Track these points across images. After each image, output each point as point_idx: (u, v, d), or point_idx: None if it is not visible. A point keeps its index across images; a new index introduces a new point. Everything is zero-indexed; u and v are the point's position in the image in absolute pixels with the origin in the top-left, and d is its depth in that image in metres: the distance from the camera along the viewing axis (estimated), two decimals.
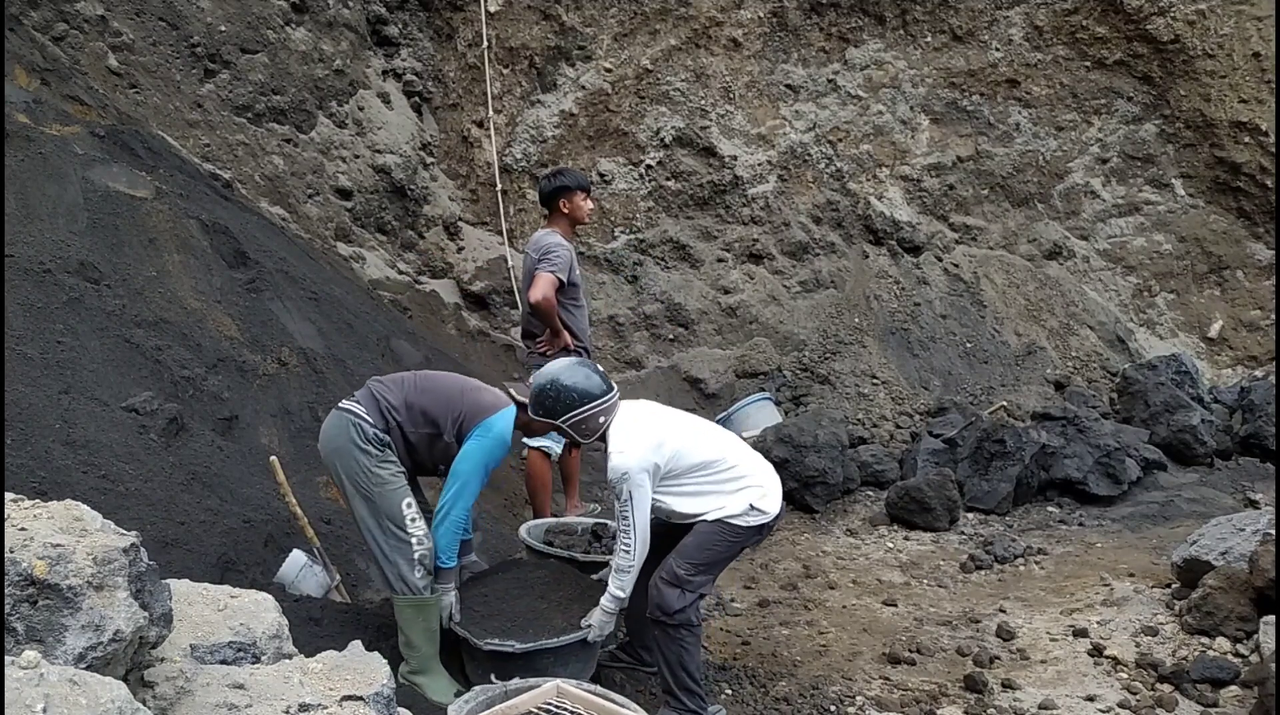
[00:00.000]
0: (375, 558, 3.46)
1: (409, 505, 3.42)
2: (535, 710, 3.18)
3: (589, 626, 3.43)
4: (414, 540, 3.40)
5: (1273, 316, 8.34)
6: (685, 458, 3.39)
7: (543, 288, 4.93)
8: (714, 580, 3.60)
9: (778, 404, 7.30)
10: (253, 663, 2.01)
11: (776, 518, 3.53)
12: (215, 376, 4.70)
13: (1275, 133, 8.25)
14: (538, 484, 5.15)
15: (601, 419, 3.38)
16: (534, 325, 5.21)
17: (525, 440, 5.16)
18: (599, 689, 3.30)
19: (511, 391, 3.66)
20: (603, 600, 3.41)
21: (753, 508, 3.41)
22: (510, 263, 8.05)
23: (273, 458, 4.06)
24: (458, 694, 3.27)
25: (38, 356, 4.07)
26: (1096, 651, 4.21)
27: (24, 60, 5.56)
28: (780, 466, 6.27)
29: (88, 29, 6.40)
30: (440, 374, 3.77)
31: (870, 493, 6.58)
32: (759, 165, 8.44)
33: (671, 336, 8.08)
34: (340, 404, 3.54)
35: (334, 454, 3.44)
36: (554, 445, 5.15)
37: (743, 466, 3.48)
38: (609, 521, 4.78)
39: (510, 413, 3.54)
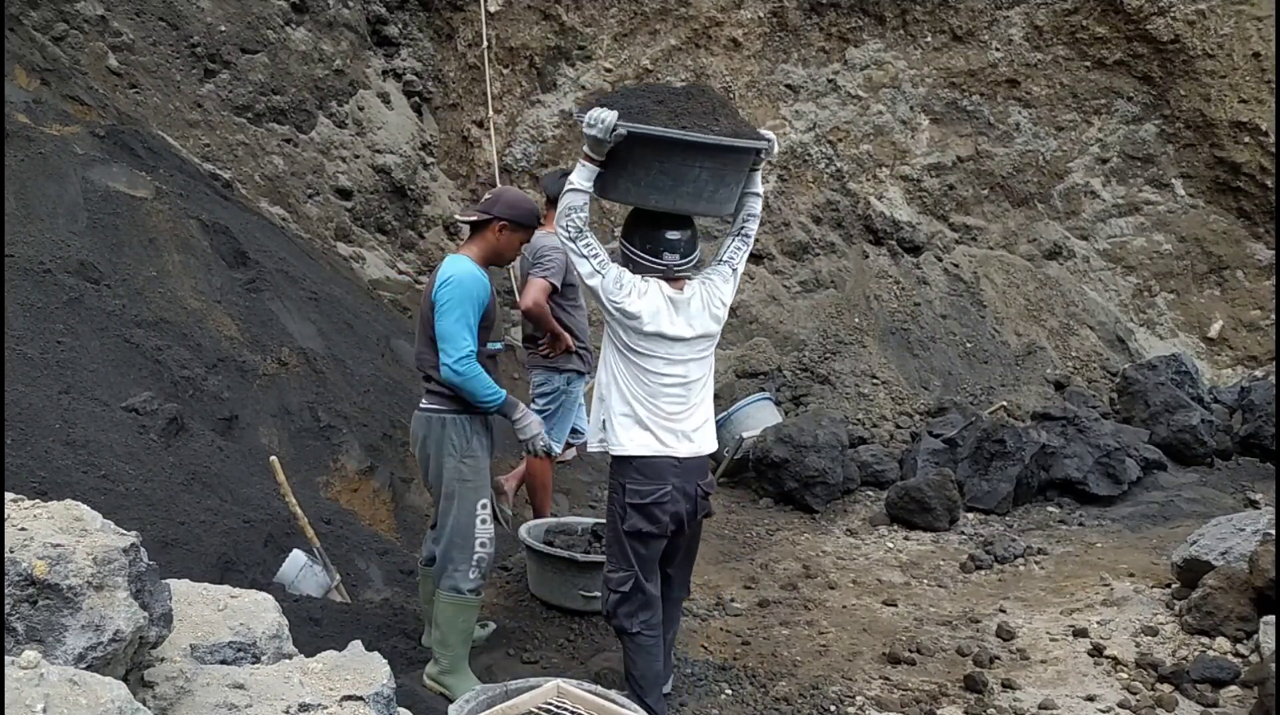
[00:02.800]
0: (443, 547, 3.48)
1: (484, 506, 3.45)
2: (535, 710, 3.18)
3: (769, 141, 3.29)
4: (477, 542, 3.43)
5: (1273, 316, 8.34)
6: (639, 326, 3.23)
7: (533, 294, 4.83)
8: (634, 578, 3.30)
9: (778, 404, 7.31)
10: (253, 663, 2.02)
11: (660, 486, 3.25)
12: (215, 376, 4.70)
13: (1275, 133, 8.25)
14: (538, 483, 5.15)
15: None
16: (533, 328, 5.19)
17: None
18: (599, 689, 3.30)
19: (457, 217, 3.57)
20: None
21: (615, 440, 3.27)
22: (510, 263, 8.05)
23: (273, 458, 4.06)
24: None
25: (38, 356, 4.07)
26: (1096, 651, 4.22)
27: (24, 60, 5.56)
28: (780, 466, 6.29)
29: (88, 29, 6.40)
30: None
31: (870, 493, 6.58)
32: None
33: None
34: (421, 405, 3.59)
35: (428, 455, 3.50)
36: (556, 445, 5.14)
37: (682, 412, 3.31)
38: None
39: (450, 259, 3.46)
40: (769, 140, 3.31)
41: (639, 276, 3.28)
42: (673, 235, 3.32)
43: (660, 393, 3.31)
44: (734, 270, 3.45)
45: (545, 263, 4.89)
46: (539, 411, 5.08)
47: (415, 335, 3.67)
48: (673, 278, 3.34)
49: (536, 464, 5.11)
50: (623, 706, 3.15)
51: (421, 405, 3.55)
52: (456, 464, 3.42)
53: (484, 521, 3.44)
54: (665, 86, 3.60)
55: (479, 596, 3.51)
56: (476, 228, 3.50)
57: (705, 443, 3.41)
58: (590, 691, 3.24)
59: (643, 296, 3.25)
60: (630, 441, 3.27)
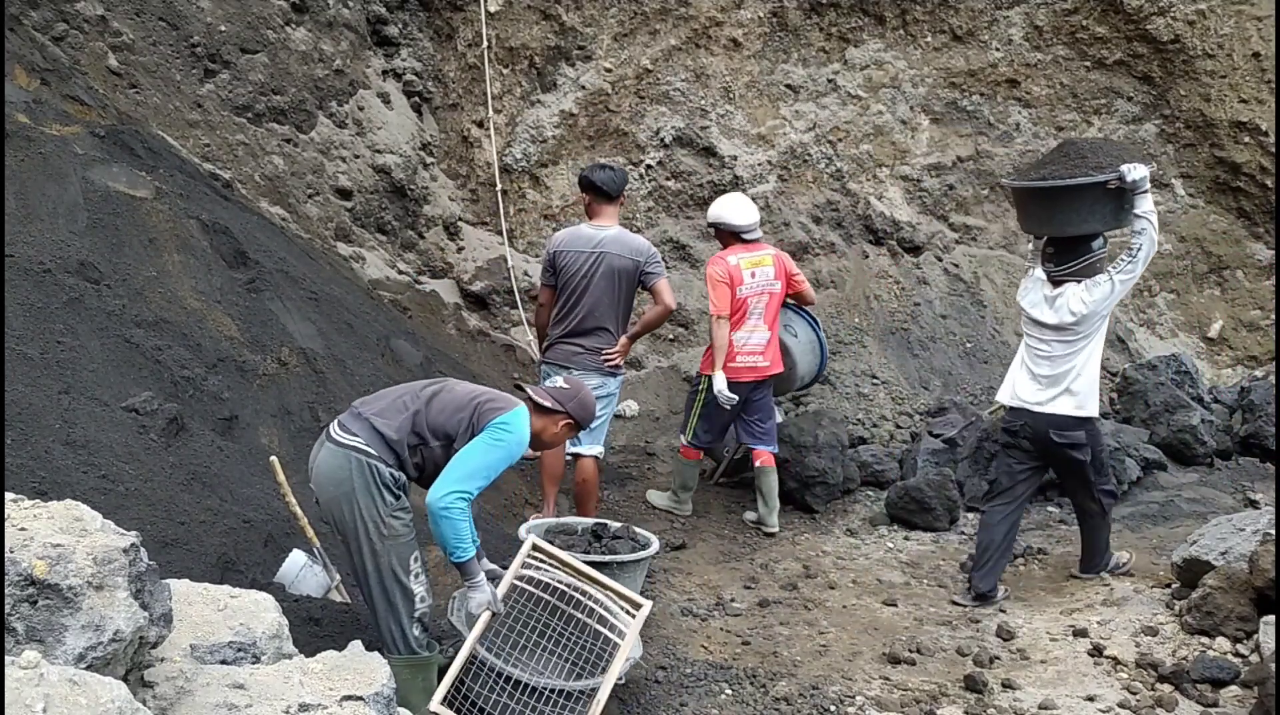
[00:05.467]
0: (373, 612, 3.23)
1: (416, 559, 3.20)
2: (521, 572, 3.50)
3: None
4: (417, 597, 3.19)
5: (1273, 316, 8.34)
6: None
7: (672, 292, 5.16)
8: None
9: (778, 404, 7.31)
10: (253, 663, 2.02)
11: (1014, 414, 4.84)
12: (215, 376, 4.70)
13: (1275, 133, 8.24)
14: (590, 489, 5.19)
15: None
16: (599, 335, 5.10)
17: (578, 448, 5.17)
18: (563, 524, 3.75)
19: (529, 391, 3.42)
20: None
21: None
22: (510, 263, 8.04)
23: (273, 458, 4.06)
24: None
25: (38, 356, 4.07)
26: (1096, 651, 4.22)
27: (24, 60, 5.55)
28: (780, 466, 6.28)
29: (88, 29, 6.40)
30: (440, 382, 3.45)
31: (870, 493, 6.58)
32: (759, 165, 8.44)
33: (671, 336, 8.08)
34: (337, 437, 3.19)
35: (341, 499, 3.15)
36: (601, 447, 5.22)
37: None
38: (609, 521, 4.79)
39: (524, 412, 3.26)
40: (1085, 176, 4.36)
41: (1032, 279, 4.76)
42: (1049, 250, 4.68)
43: (1035, 361, 4.70)
44: (1110, 279, 4.52)
45: (660, 262, 5.14)
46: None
47: (414, 396, 3.30)
48: (1052, 280, 4.65)
49: (590, 470, 5.16)
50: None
51: (343, 439, 3.17)
52: (387, 518, 3.15)
53: (418, 576, 3.21)
54: (1061, 144, 4.79)
55: (436, 649, 3.31)
56: (538, 406, 3.40)
57: (1060, 405, 4.63)
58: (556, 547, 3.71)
59: (1025, 293, 4.78)
60: (1005, 388, 4.90)
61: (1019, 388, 4.77)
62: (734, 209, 5.72)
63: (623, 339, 5.12)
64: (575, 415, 3.39)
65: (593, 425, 5.10)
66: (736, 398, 5.63)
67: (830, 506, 6.33)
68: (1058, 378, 4.62)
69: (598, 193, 5.04)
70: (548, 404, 3.36)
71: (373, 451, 3.14)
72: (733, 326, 5.62)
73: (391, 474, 3.15)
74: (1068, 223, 4.52)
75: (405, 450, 3.17)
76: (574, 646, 3.49)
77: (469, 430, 3.17)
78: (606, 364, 5.05)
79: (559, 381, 3.53)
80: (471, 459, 3.09)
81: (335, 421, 3.28)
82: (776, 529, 5.91)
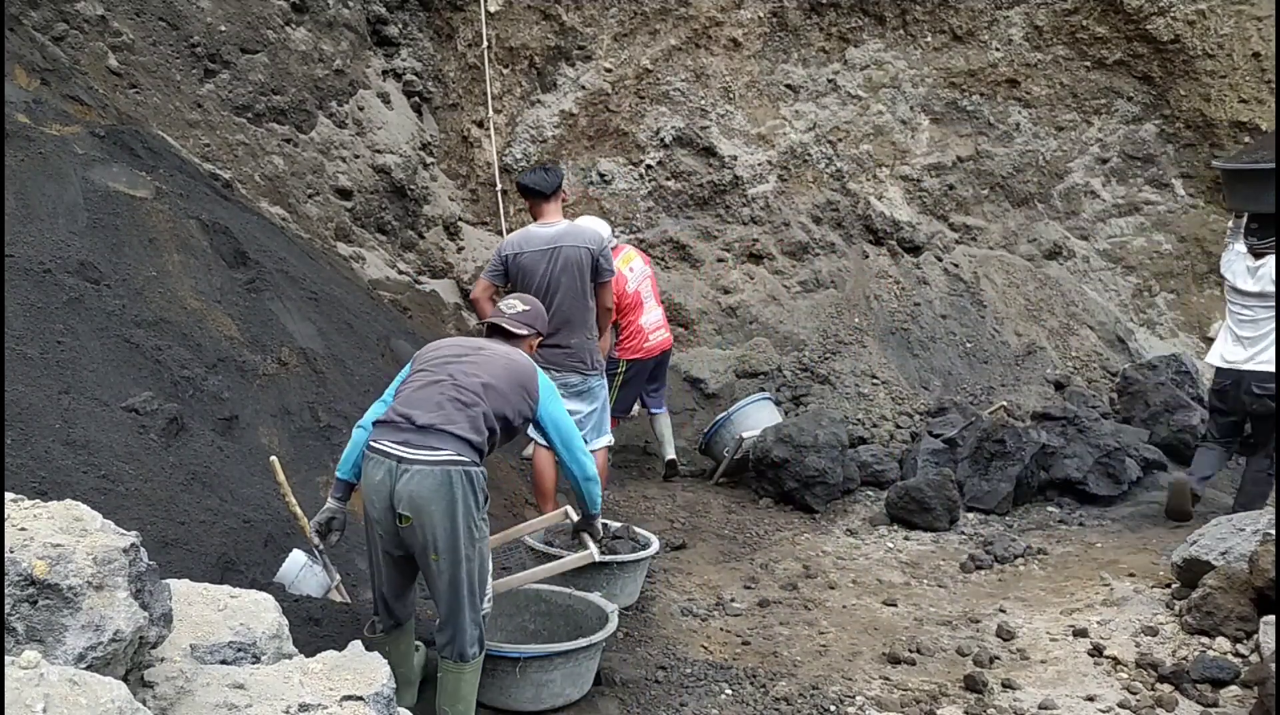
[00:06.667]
0: (454, 623, 3.15)
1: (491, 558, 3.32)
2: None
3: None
4: (487, 599, 3.26)
5: None
6: None
7: (612, 294, 5.32)
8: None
9: (778, 404, 7.31)
10: (253, 663, 2.02)
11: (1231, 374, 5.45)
12: (215, 376, 4.69)
13: (1275, 132, 8.24)
14: (549, 487, 5.19)
15: None
16: (575, 332, 5.13)
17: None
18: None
19: (503, 324, 3.60)
20: None
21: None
22: None
23: (273, 458, 4.06)
24: None
25: (38, 356, 4.07)
26: (1096, 651, 4.22)
27: (24, 60, 5.55)
28: (780, 466, 6.29)
29: (88, 29, 6.39)
30: (465, 369, 3.33)
31: (870, 493, 6.58)
32: (759, 165, 8.44)
33: (674, 336, 8.08)
34: (421, 457, 3.06)
35: (445, 515, 3.04)
36: (609, 437, 5.34)
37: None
38: (609, 521, 4.79)
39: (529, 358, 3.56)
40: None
41: (1233, 253, 5.41)
42: (1252, 226, 5.33)
43: (1238, 324, 5.37)
44: None
45: (610, 257, 5.19)
46: (589, 411, 5.15)
47: (455, 377, 3.28)
48: (1254, 252, 5.29)
49: (600, 462, 5.17)
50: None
51: (433, 457, 3.06)
52: (479, 520, 3.14)
53: (491, 573, 3.34)
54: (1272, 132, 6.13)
55: (484, 649, 3.35)
56: (511, 336, 3.64)
57: (1261, 360, 5.24)
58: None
59: (1228, 265, 5.46)
60: (1214, 353, 5.58)
61: (1225, 351, 5.44)
62: (598, 224, 6.13)
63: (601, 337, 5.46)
64: (543, 331, 3.77)
65: (589, 422, 5.15)
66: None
67: (830, 506, 6.33)
68: (1259, 338, 5.25)
69: (534, 194, 5.17)
70: (524, 332, 3.64)
71: (466, 459, 3.11)
72: (636, 314, 6.35)
73: (483, 474, 3.19)
74: (1276, 201, 5.15)
75: (485, 446, 3.25)
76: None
77: (529, 404, 3.41)
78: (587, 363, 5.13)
79: (515, 303, 3.71)
80: (567, 422, 3.52)
81: (395, 443, 3.12)
82: (674, 456, 6.81)
